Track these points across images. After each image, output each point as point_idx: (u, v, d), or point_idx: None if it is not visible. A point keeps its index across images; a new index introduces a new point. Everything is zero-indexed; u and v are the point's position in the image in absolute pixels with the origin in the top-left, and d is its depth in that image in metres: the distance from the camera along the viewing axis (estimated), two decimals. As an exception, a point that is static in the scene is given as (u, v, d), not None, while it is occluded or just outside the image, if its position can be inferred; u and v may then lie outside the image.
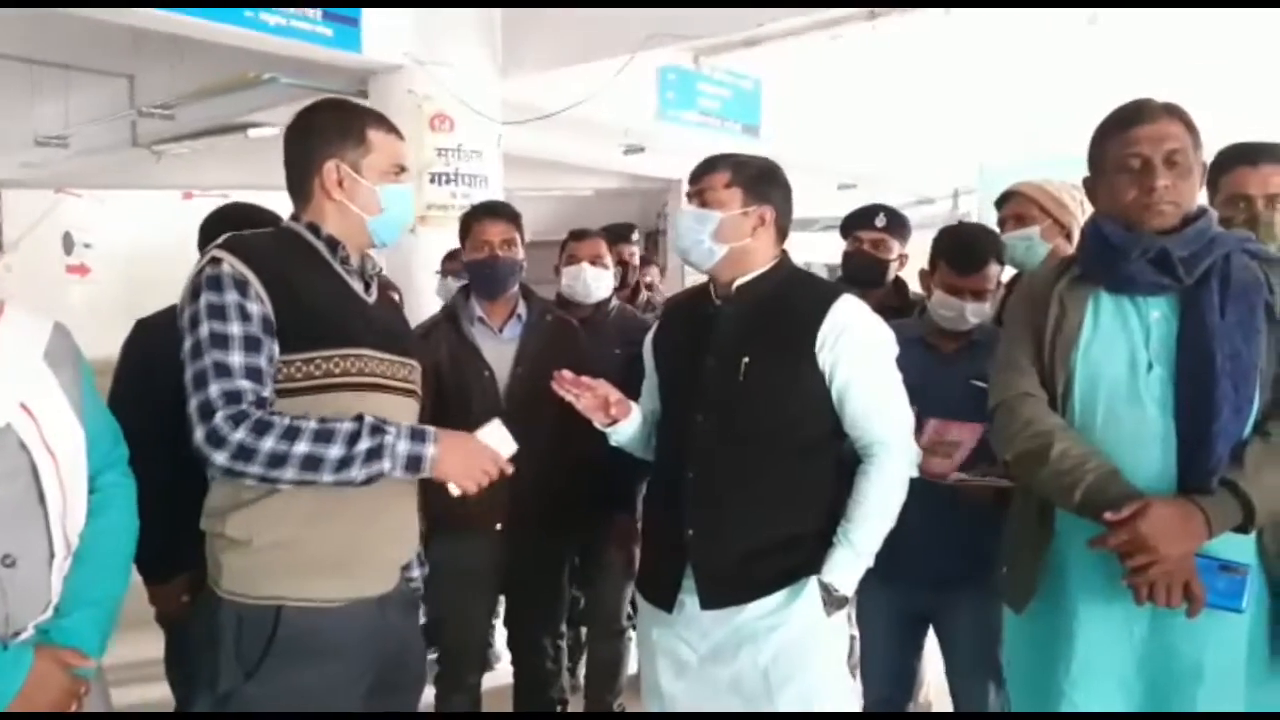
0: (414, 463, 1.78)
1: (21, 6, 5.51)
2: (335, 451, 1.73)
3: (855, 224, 3.13)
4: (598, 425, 2.24)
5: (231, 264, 1.76)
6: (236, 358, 1.73)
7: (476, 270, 2.88)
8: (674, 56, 5.62)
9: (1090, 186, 1.92)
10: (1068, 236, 2.87)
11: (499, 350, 2.84)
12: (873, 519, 2.03)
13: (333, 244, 1.91)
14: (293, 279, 1.81)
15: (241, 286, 1.75)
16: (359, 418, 1.77)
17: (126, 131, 8.32)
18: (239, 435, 1.69)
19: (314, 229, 1.91)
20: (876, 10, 4.61)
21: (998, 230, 2.91)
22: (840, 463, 2.11)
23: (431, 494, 1.92)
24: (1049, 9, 5.20)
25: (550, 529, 2.86)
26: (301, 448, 1.71)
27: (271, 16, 5.15)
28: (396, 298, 4.52)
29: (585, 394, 2.18)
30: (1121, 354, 1.79)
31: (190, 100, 6.99)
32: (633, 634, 3.46)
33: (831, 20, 4.72)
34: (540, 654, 2.94)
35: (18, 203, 10.01)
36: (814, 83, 7.87)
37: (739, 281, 2.14)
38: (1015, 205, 2.92)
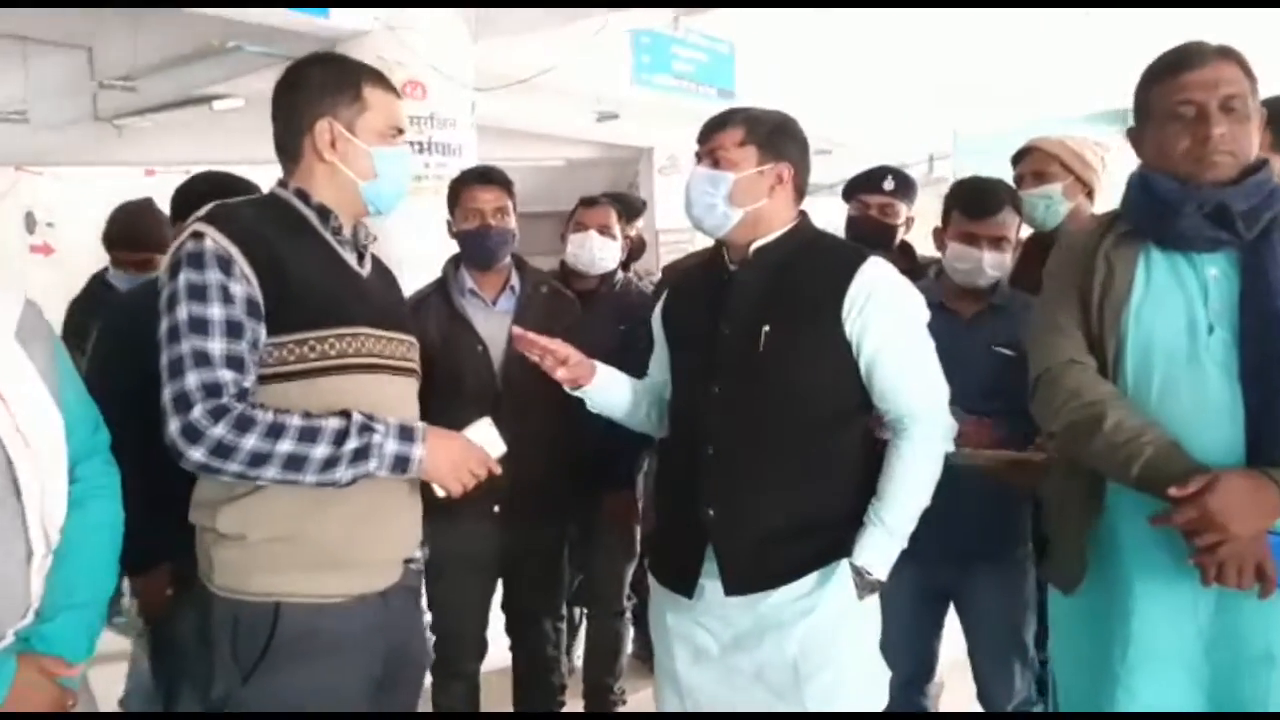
0: (401, 463, 1.68)
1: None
2: (321, 451, 1.61)
3: (860, 188, 3.01)
4: (566, 389, 2.13)
5: (215, 238, 1.62)
6: (217, 345, 1.59)
7: (468, 240, 2.73)
8: (650, 18, 5.45)
9: (1136, 137, 1.80)
10: (1089, 194, 2.79)
11: (492, 323, 2.71)
12: (906, 497, 1.90)
13: (324, 212, 1.77)
14: (282, 253, 1.67)
15: (225, 264, 1.61)
16: (346, 414, 1.64)
17: (87, 105, 8.07)
18: (219, 431, 1.56)
19: (303, 196, 1.77)
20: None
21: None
22: (868, 437, 2.00)
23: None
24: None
25: (549, 509, 2.75)
26: (285, 446, 1.59)
27: (233, -20, 4.96)
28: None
29: (546, 356, 2.08)
30: (1178, 316, 1.67)
31: (152, 71, 6.75)
32: (629, 615, 3.38)
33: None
34: (542, 638, 2.82)
35: (-24, 182, 9.72)
36: (789, 46, 7.76)
37: (756, 244, 2.01)
38: (1034, 161, 2.81)
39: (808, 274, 1.97)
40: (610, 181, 10.76)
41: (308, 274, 1.69)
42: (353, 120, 1.76)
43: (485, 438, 1.82)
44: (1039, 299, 1.91)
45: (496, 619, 2.83)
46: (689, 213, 2.05)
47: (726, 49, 7.70)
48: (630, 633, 3.47)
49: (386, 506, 1.76)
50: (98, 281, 3.63)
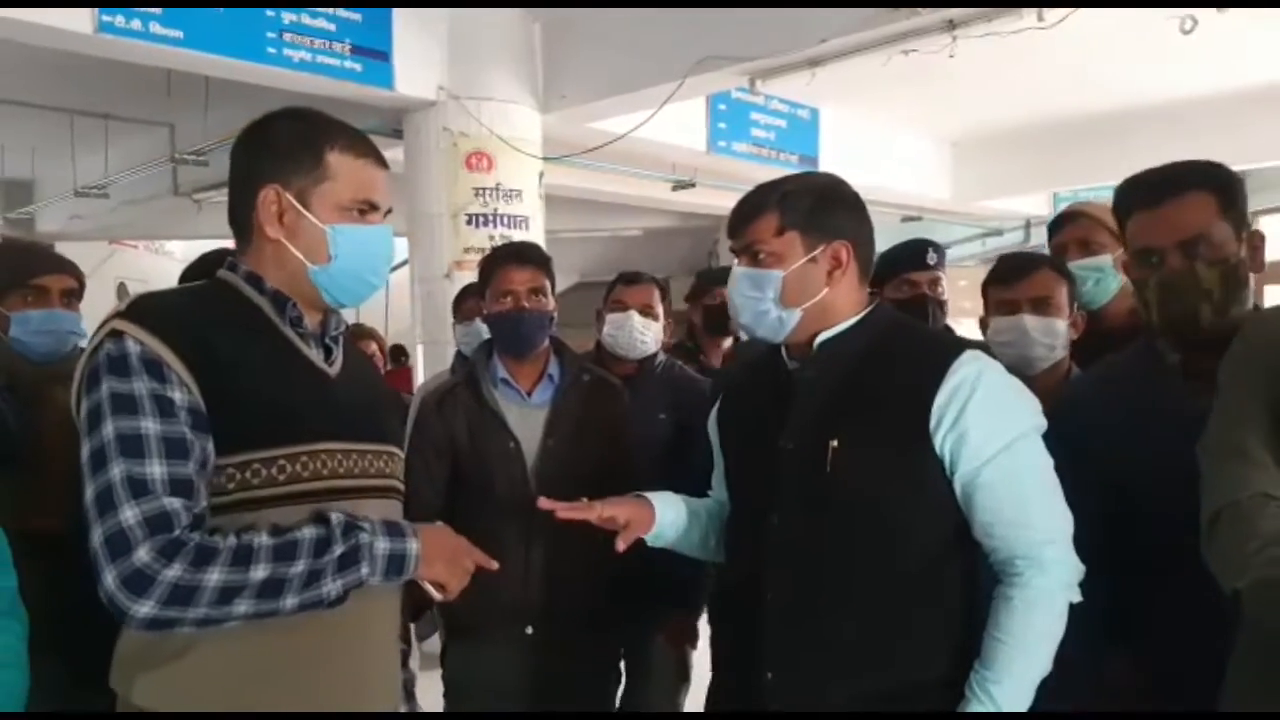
0: (396, 563, 1.40)
1: None
2: (300, 566, 1.29)
3: (906, 265, 2.63)
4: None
5: (138, 338, 1.31)
6: (157, 468, 1.27)
7: (500, 324, 2.41)
8: (727, 81, 5.20)
9: None
10: None
11: (527, 418, 2.38)
12: (1020, 664, 1.48)
13: (279, 301, 1.45)
14: (222, 353, 1.35)
15: (154, 368, 1.30)
16: (323, 519, 1.34)
17: (167, 181, 8.17)
18: (173, 573, 1.22)
19: (255, 281, 1.45)
20: (956, 22, 4.11)
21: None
22: (971, 580, 1.59)
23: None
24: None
25: (593, 634, 2.38)
26: (259, 572, 1.26)
27: (296, 53, 4.86)
28: (374, 348, 4.06)
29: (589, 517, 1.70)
30: None
31: (223, 146, 6.75)
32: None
33: (902, 34, 4.23)
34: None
35: (71, 255, 9.92)
36: (874, 109, 7.45)
37: (821, 337, 1.63)
38: (1078, 228, 2.41)
39: (886, 372, 1.59)
40: (689, 249, 10.54)
41: (257, 378, 1.38)
42: (307, 189, 1.43)
43: None
44: (1214, 415, 1.44)
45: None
46: (738, 321, 1.69)
47: (808, 115, 7.45)
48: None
49: (350, 659, 1.43)
50: None
